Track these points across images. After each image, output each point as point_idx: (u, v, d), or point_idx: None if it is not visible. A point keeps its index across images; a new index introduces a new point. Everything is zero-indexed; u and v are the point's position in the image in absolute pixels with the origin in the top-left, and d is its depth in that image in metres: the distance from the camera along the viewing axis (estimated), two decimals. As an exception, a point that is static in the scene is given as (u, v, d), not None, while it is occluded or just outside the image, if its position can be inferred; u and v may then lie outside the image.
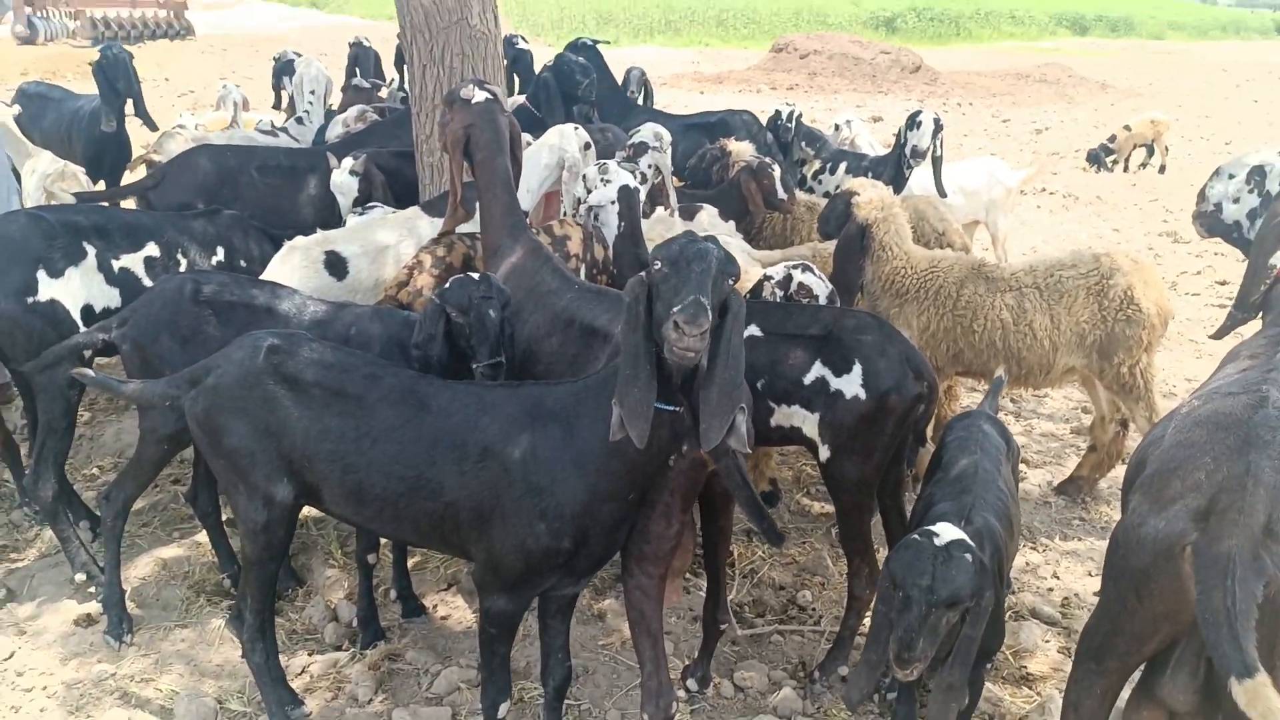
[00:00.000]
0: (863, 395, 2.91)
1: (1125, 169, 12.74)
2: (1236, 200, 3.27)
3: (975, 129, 16.72)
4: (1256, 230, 3.25)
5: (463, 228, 3.84)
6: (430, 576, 3.85)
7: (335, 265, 3.78)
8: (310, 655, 3.38)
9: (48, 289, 3.43)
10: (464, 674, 3.26)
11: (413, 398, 2.46)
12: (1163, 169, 12.70)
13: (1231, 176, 3.27)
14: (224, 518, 3.74)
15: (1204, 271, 8.44)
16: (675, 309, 1.97)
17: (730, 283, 2.13)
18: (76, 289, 3.50)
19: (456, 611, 3.66)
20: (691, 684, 3.20)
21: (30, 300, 3.41)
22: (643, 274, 2.17)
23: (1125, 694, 2.38)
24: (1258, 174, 3.59)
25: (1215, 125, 17.66)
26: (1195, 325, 6.99)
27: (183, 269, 3.76)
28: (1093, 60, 32.67)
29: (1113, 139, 12.85)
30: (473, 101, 3.47)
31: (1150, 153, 12.92)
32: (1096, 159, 12.83)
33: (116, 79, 6.14)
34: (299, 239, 3.82)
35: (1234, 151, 14.33)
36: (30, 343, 3.41)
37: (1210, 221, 3.33)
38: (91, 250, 3.56)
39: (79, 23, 24.25)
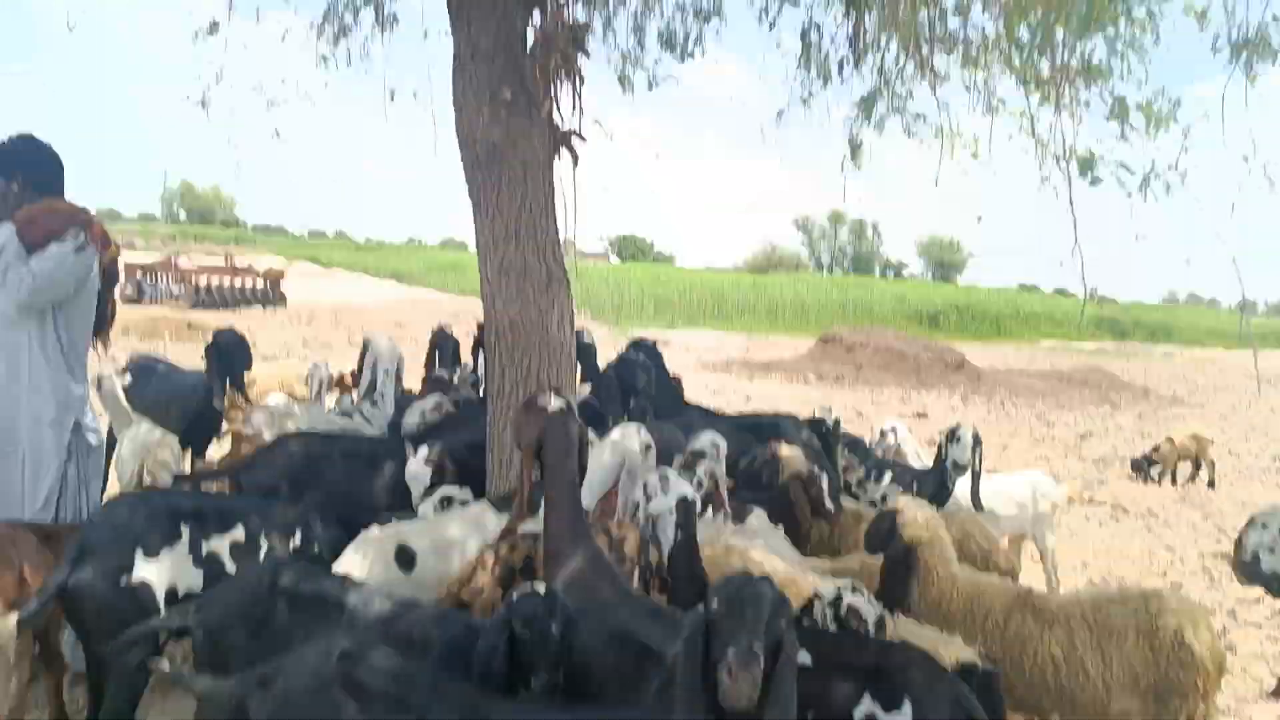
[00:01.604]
0: (913, 735, 2.90)
1: (1174, 481, 12.76)
2: (1273, 550, 3.36)
3: (1020, 431, 17.03)
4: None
5: (527, 526, 4.04)
6: None
7: (404, 559, 3.98)
8: None
9: (141, 570, 3.63)
10: None
11: (474, 714, 2.55)
12: (1211, 483, 12.69)
13: (1264, 526, 3.38)
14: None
15: (1263, 600, 8.14)
16: (730, 652, 2.10)
17: (783, 623, 2.27)
18: (166, 571, 3.71)
19: None
20: None
21: (123, 582, 3.60)
22: (700, 609, 2.32)
23: None
24: None
25: (1263, 439, 17.74)
26: (1258, 661, 6.62)
27: (263, 552, 3.98)
28: (1133, 364, 33.55)
29: (1156, 450, 12.98)
30: (549, 410, 3.77)
31: (1197, 465, 12.97)
32: (1140, 468, 12.92)
33: (234, 363, 6.83)
34: (374, 530, 4.04)
35: (1284, 469, 14.37)
36: (115, 624, 3.53)
37: (1250, 571, 3.41)
38: (185, 532, 3.81)
39: (182, 288, 26.73)
